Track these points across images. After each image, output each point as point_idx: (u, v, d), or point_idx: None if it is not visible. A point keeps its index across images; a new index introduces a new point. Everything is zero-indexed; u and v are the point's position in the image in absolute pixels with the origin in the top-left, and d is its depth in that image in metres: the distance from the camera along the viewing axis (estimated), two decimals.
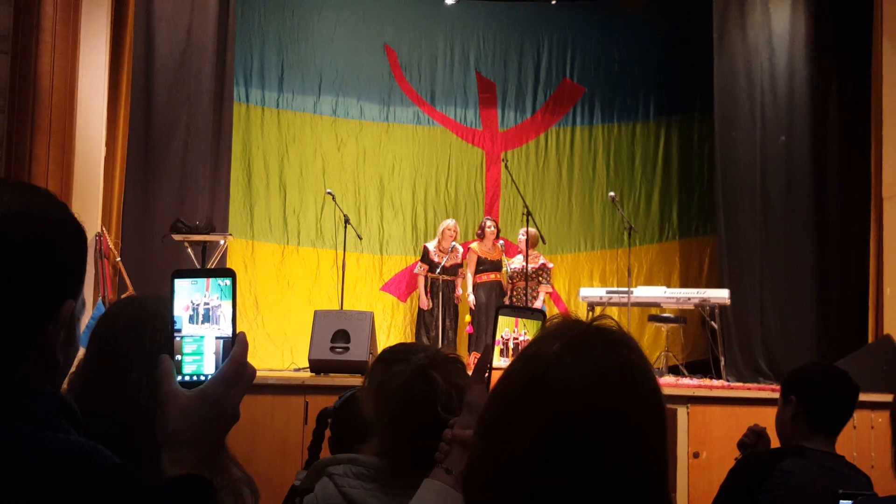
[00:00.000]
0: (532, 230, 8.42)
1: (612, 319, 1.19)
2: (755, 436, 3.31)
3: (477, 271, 9.06)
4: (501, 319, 1.61)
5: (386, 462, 1.92)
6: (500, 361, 1.60)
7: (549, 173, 10.57)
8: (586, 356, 1.10)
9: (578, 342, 1.12)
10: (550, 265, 9.20)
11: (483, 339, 8.46)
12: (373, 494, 1.85)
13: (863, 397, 5.94)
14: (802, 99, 8.65)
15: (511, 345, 1.62)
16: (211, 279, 1.25)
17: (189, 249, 7.49)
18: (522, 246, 8.60)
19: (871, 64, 8.03)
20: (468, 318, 8.96)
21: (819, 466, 3.04)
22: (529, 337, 1.57)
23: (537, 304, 8.77)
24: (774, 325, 8.46)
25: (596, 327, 1.16)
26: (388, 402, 1.93)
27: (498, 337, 1.61)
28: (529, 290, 8.75)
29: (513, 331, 1.62)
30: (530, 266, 8.69)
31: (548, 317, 1.28)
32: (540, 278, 8.94)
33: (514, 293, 8.82)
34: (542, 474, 1.05)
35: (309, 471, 2.04)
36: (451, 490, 1.53)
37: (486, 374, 1.58)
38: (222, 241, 7.74)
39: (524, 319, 1.63)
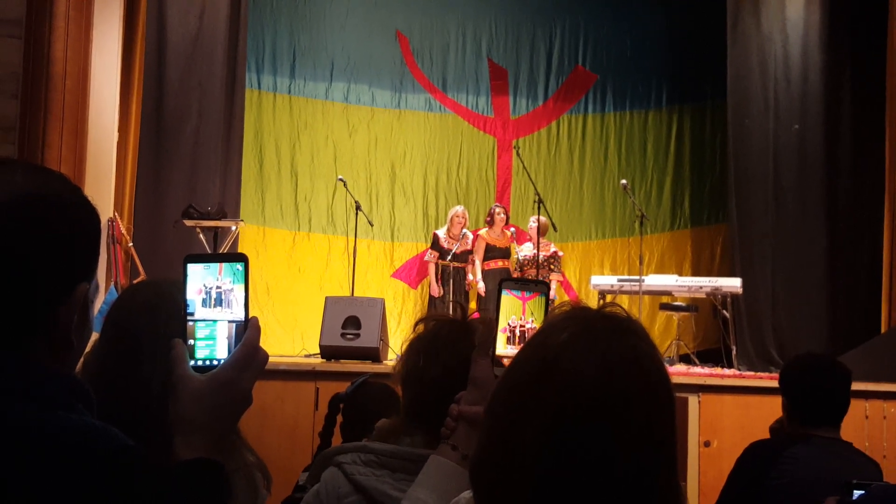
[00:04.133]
0: (543, 218, 8.40)
1: (621, 307, 1.19)
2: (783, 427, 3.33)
3: (485, 258, 9.04)
4: (505, 293, 1.60)
5: (399, 421, 1.93)
6: (506, 349, 1.58)
7: (560, 161, 10.55)
8: (595, 346, 1.10)
9: (587, 332, 1.12)
10: (561, 253, 9.20)
11: None
12: (384, 481, 1.86)
13: (874, 387, 5.99)
14: (816, 87, 8.60)
15: (518, 332, 1.61)
16: (224, 264, 1.25)
17: (201, 235, 7.52)
18: (533, 234, 8.58)
19: (885, 52, 7.97)
20: (473, 304, 8.95)
21: (826, 453, 3.05)
22: (536, 324, 1.57)
23: (549, 294, 8.72)
24: (786, 313, 8.44)
25: (604, 316, 1.15)
26: (420, 340, 1.95)
27: (504, 323, 1.60)
28: (540, 278, 8.73)
29: (519, 318, 1.61)
30: (541, 254, 8.67)
31: (556, 302, 1.27)
32: (550, 266, 8.93)
33: None
34: (549, 463, 1.05)
35: (314, 463, 2.05)
36: (456, 467, 1.53)
37: (491, 350, 1.58)
38: (234, 227, 7.77)
39: (528, 293, 1.61)
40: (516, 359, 1.17)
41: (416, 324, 1.99)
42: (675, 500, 1.11)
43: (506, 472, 1.09)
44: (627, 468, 1.05)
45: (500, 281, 1.64)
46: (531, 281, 1.65)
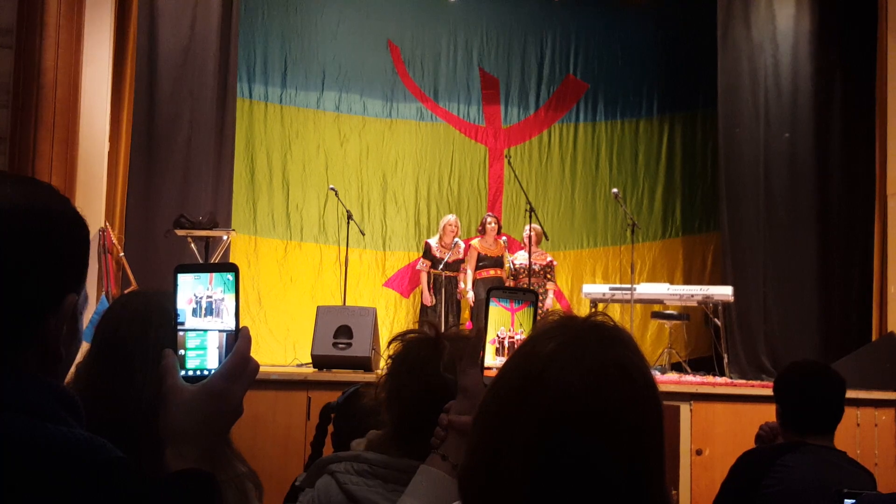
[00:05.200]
0: (536, 227, 8.41)
1: (608, 316, 1.19)
2: (772, 431, 3.32)
3: (477, 267, 9.04)
4: (493, 304, 1.59)
5: (388, 438, 1.93)
6: (495, 360, 1.57)
7: (552, 170, 10.57)
8: (582, 355, 1.10)
9: (574, 341, 1.12)
10: (555, 263, 9.22)
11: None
12: (376, 491, 1.85)
13: (865, 395, 6.00)
14: (806, 96, 8.63)
15: (507, 343, 1.60)
16: (214, 274, 1.25)
17: (192, 245, 7.50)
18: (527, 242, 8.59)
19: (875, 60, 8.01)
20: (466, 314, 8.95)
21: (820, 461, 3.04)
22: (525, 335, 1.56)
23: (547, 302, 8.78)
24: (777, 322, 8.45)
25: (591, 325, 1.15)
26: (394, 361, 1.94)
27: (492, 335, 1.59)
28: (537, 287, 8.72)
29: (508, 329, 1.60)
30: (538, 264, 8.68)
31: (546, 308, 1.27)
32: (547, 275, 8.95)
33: None
34: (538, 472, 1.05)
35: (309, 470, 2.04)
36: (446, 476, 1.52)
37: (480, 359, 1.58)
38: (225, 237, 7.75)
39: (516, 303, 1.61)
40: (504, 368, 1.17)
41: (390, 343, 1.99)
42: None
43: (494, 482, 1.08)
44: (616, 477, 1.05)
45: (488, 290, 1.63)
46: (520, 290, 1.65)
